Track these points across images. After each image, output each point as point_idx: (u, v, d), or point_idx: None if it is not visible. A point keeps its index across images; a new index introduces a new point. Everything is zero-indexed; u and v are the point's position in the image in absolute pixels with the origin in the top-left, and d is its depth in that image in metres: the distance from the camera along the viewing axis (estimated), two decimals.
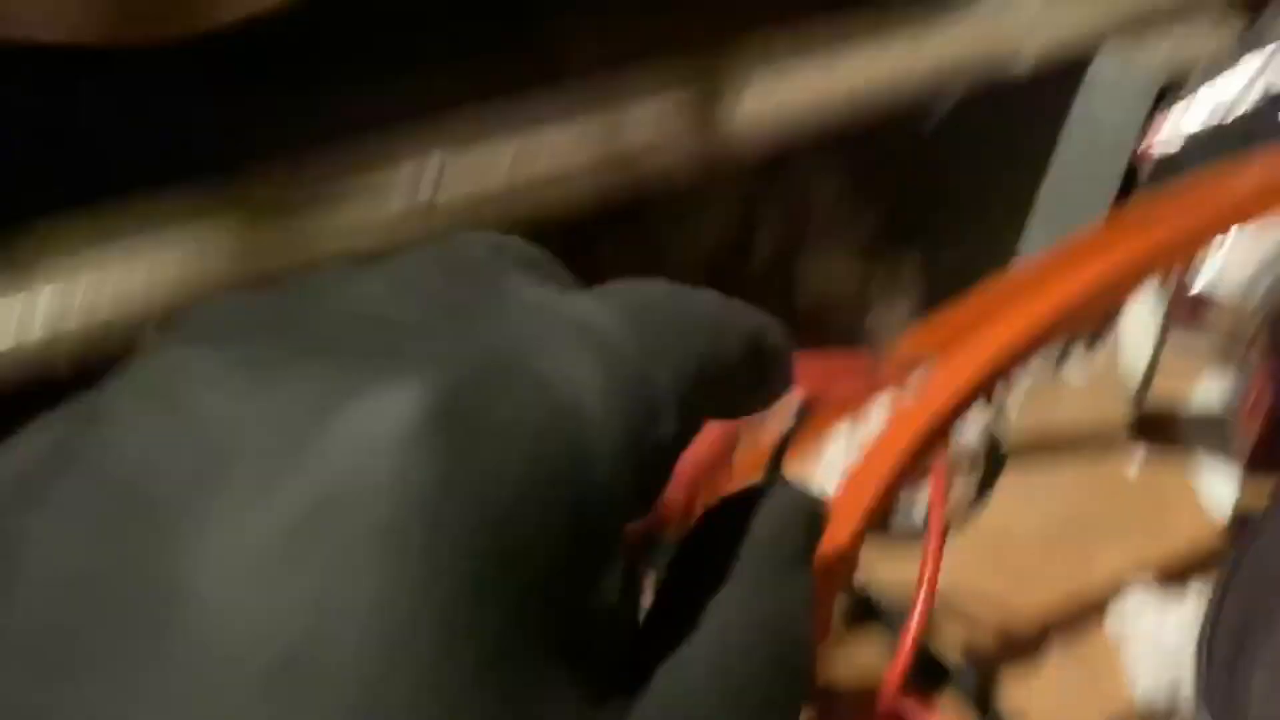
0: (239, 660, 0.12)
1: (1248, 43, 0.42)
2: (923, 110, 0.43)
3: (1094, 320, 0.43)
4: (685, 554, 0.17)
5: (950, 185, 0.50)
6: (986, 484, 0.40)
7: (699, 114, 0.44)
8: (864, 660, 0.39)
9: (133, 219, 0.37)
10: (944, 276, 0.44)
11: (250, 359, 0.14)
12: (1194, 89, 0.42)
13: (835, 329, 0.52)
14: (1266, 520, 0.36)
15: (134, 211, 0.37)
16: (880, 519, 0.26)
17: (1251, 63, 0.41)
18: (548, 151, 0.42)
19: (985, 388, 0.29)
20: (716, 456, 0.27)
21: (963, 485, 0.42)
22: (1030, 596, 0.42)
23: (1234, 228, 0.31)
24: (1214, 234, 0.30)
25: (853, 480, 0.26)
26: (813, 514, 0.17)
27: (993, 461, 0.41)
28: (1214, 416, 0.42)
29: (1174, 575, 0.41)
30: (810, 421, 0.27)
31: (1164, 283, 0.42)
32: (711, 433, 0.27)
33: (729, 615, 0.16)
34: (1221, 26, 0.44)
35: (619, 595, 0.14)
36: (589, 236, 0.42)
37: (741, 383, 0.17)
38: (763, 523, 0.17)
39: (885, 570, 0.37)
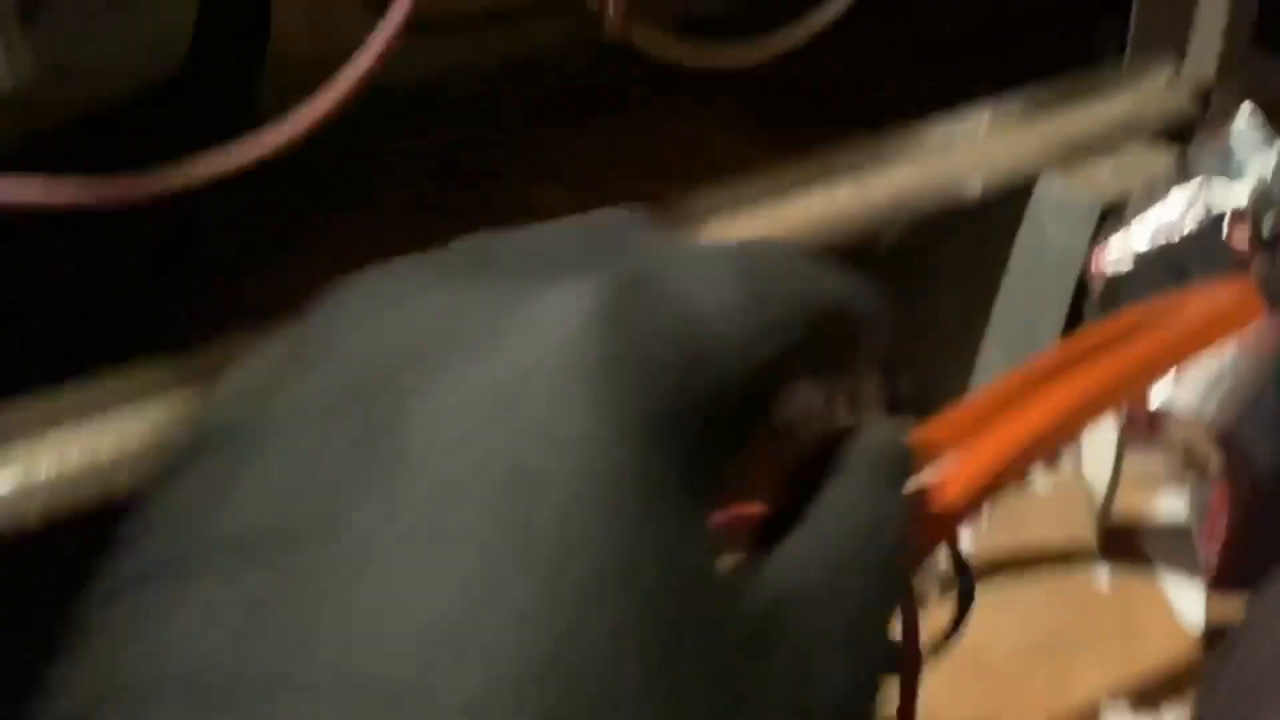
0: (467, 483, 0.15)
1: (1182, 170, 0.43)
2: (874, 239, 0.44)
3: (1056, 450, 0.44)
4: (795, 474, 0.19)
5: (904, 310, 0.51)
6: (963, 609, 0.40)
7: None
8: None
9: (97, 395, 0.36)
10: (902, 402, 0.45)
11: (444, 274, 0.17)
12: (1139, 210, 0.43)
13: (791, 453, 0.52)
14: (1240, 638, 0.36)
15: (98, 388, 0.37)
16: None
17: (1188, 188, 0.42)
18: None
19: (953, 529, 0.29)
20: None
21: (937, 610, 0.42)
22: (1010, 718, 0.42)
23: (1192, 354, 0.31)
24: (1171, 365, 0.30)
25: None
26: (904, 447, 0.20)
27: (965, 586, 0.41)
28: (1178, 532, 0.42)
29: (1150, 694, 0.41)
30: None
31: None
32: None
33: (833, 515, 0.19)
34: (1153, 154, 0.45)
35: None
36: None
37: (837, 333, 0.20)
38: (863, 448, 0.20)
39: None
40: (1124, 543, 0.45)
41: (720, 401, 0.17)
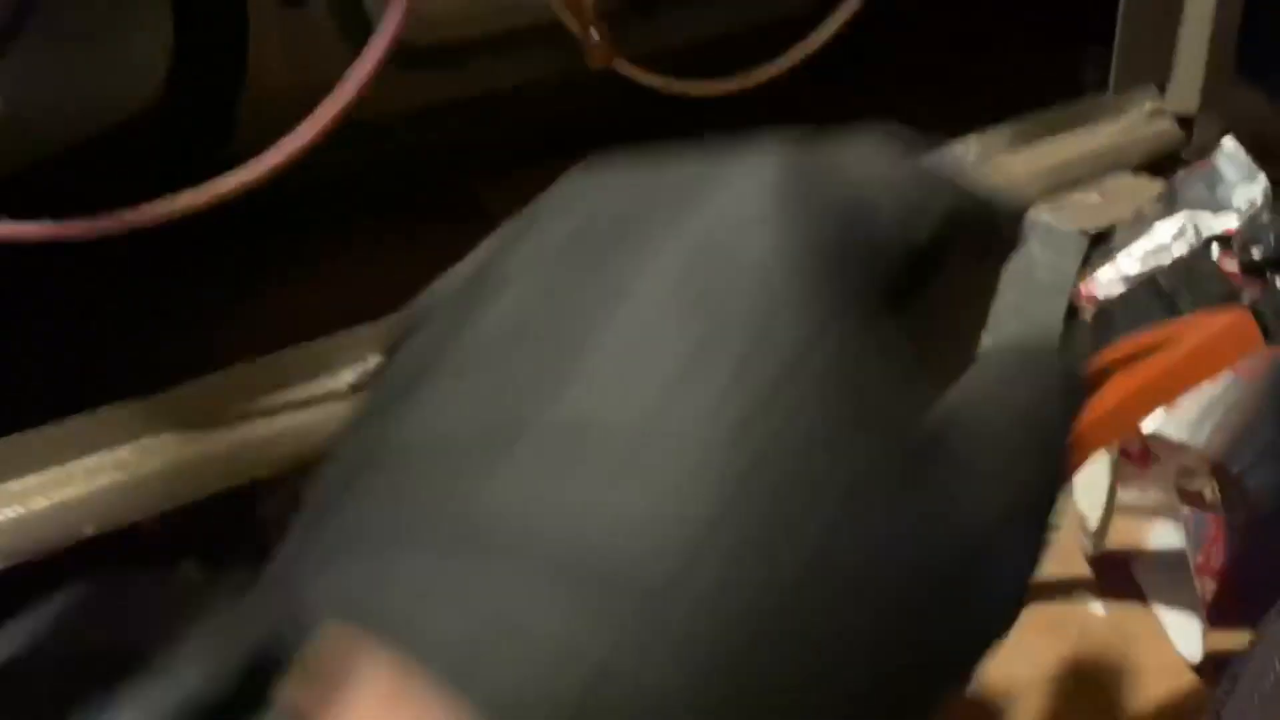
0: (676, 296, 0.17)
1: (1168, 201, 0.43)
2: None
3: None
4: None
5: None
6: None
7: None
8: None
9: (65, 438, 0.35)
10: None
11: (645, 160, 0.20)
12: (1126, 239, 0.43)
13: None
14: (1244, 671, 0.35)
15: (66, 430, 0.36)
16: None
17: (1175, 219, 0.42)
18: None
19: None
20: None
21: None
22: None
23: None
24: (1166, 396, 0.30)
25: None
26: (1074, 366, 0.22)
27: None
28: (1173, 563, 0.42)
29: None
30: None
31: None
32: None
33: (1018, 385, 0.20)
34: (1138, 184, 0.45)
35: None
36: None
37: (979, 229, 0.22)
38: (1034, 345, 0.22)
39: None
40: (1118, 575, 0.44)
41: (882, 264, 0.19)
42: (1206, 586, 0.41)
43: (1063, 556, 0.46)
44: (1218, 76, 0.53)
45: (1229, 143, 0.43)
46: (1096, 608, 0.44)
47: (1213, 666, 0.41)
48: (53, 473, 0.35)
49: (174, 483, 0.34)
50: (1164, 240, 0.43)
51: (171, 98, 0.41)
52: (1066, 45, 0.59)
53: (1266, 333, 0.38)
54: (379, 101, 0.48)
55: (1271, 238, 0.41)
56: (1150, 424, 0.41)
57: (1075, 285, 0.45)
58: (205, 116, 0.42)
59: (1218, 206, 0.42)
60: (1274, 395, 0.40)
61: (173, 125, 0.42)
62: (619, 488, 0.16)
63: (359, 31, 0.39)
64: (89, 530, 0.33)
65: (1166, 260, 0.42)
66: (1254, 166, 0.42)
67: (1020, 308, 0.46)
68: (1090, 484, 0.45)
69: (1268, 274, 0.41)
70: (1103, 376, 0.30)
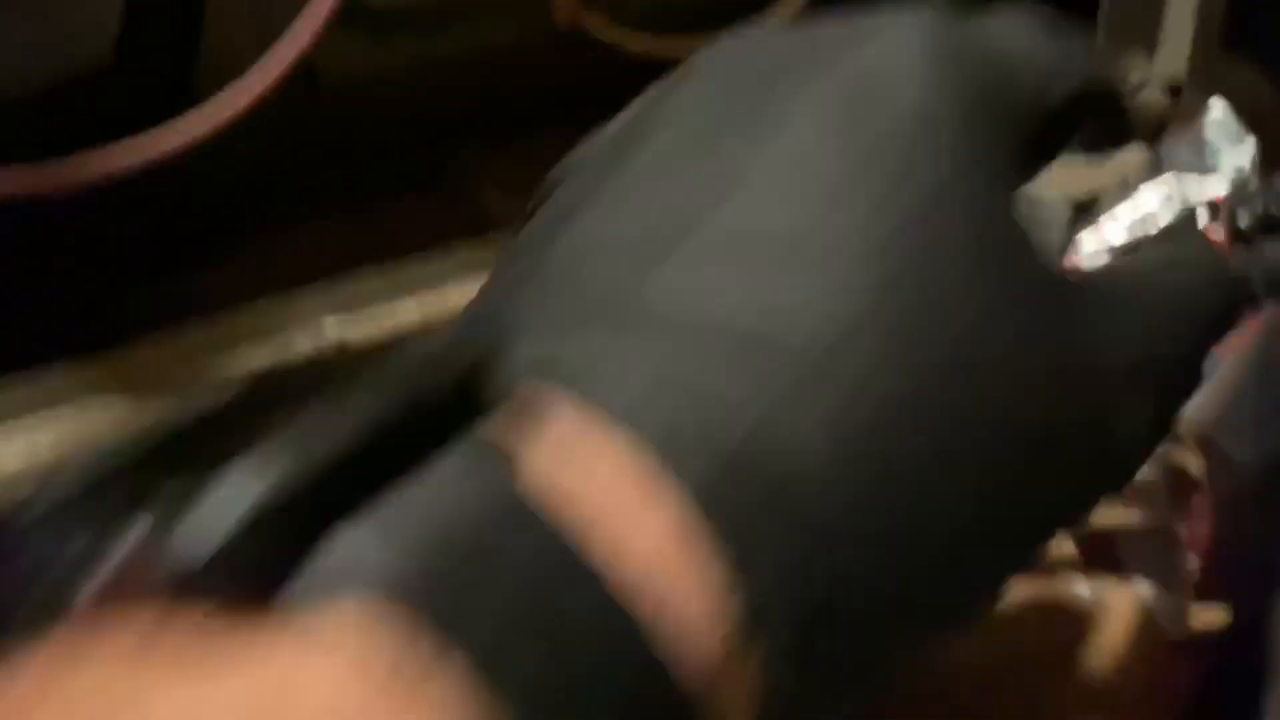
0: (818, 164, 0.19)
1: (1154, 166, 0.42)
2: None
3: None
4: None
5: None
6: None
7: None
8: None
9: (5, 398, 0.34)
10: None
11: (792, 25, 0.22)
12: (1111, 206, 0.42)
13: None
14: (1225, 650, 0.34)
15: (6, 390, 0.35)
16: None
17: (1160, 183, 0.41)
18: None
19: None
20: None
21: None
22: None
23: None
24: None
25: None
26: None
27: None
28: (1158, 539, 0.41)
29: (1125, 709, 0.40)
30: None
31: None
32: None
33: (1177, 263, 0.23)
34: (1124, 151, 0.44)
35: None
36: None
37: (1107, 100, 0.23)
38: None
39: None
40: (1102, 553, 0.44)
41: (1017, 123, 0.21)
42: (1191, 562, 0.40)
43: None
44: (1206, 45, 0.52)
45: (1217, 107, 0.42)
46: (1080, 585, 0.43)
47: (1197, 643, 0.41)
48: None
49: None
50: (1151, 208, 0.42)
51: (126, 53, 0.40)
52: (1052, 12, 0.58)
53: (1253, 300, 0.37)
54: (346, 67, 0.46)
55: (1260, 204, 0.40)
56: None
57: (1060, 256, 0.44)
58: (162, 73, 0.41)
59: (1205, 171, 0.41)
60: (1260, 366, 0.39)
61: (128, 82, 0.40)
62: (781, 278, 0.18)
63: None
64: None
65: (1154, 227, 0.41)
66: (1243, 130, 0.41)
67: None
68: None
69: (1255, 240, 0.40)
70: None
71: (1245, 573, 0.38)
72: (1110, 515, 0.44)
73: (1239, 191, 0.40)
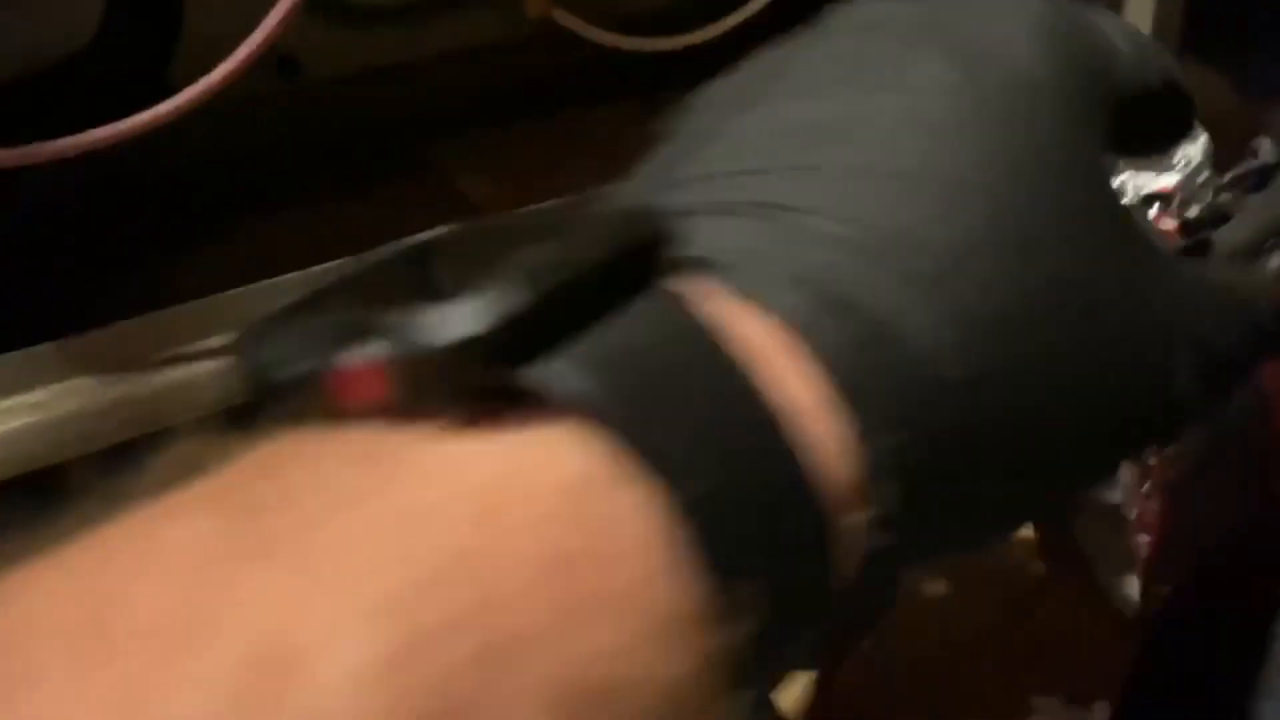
0: (939, 109, 0.21)
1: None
2: None
3: None
4: None
5: None
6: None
7: None
8: None
9: None
10: None
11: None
12: None
13: None
14: (1160, 630, 0.35)
15: None
16: None
17: (1117, 175, 0.42)
18: None
19: None
20: None
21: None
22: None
23: None
24: None
25: None
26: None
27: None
28: (1112, 521, 0.42)
29: (1082, 690, 0.41)
30: None
31: None
32: None
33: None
34: None
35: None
36: None
37: (1176, 98, 0.26)
38: None
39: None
40: (1058, 536, 0.45)
41: (1116, 95, 0.23)
42: (1143, 542, 0.41)
43: None
44: (1165, 45, 0.53)
45: None
46: (1035, 565, 0.44)
47: (1150, 626, 0.41)
48: None
49: (91, 426, 0.34)
50: None
51: (104, 43, 0.40)
52: None
53: None
54: (328, 61, 0.47)
55: (1210, 195, 0.41)
56: None
57: None
58: (139, 64, 0.42)
59: (1159, 165, 0.42)
60: None
61: (105, 73, 0.41)
62: (910, 203, 0.20)
63: None
64: (2, 472, 0.33)
65: None
66: (1196, 124, 0.42)
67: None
68: None
69: (1204, 232, 0.41)
70: None
71: (1192, 553, 0.39)
72: None
73: (1189, 183, 0.41)
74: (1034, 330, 0.21)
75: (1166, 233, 0.40)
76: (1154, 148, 0.28)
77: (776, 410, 0.18)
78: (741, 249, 0.20)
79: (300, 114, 0.48)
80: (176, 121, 0.34)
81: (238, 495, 0.16)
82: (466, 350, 0.16)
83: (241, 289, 0.39)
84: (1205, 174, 0.41)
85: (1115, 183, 0.44)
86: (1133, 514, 0.40)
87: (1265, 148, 0.54)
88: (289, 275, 0.40)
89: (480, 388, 0.16)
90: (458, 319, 0.16)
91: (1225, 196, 0.40)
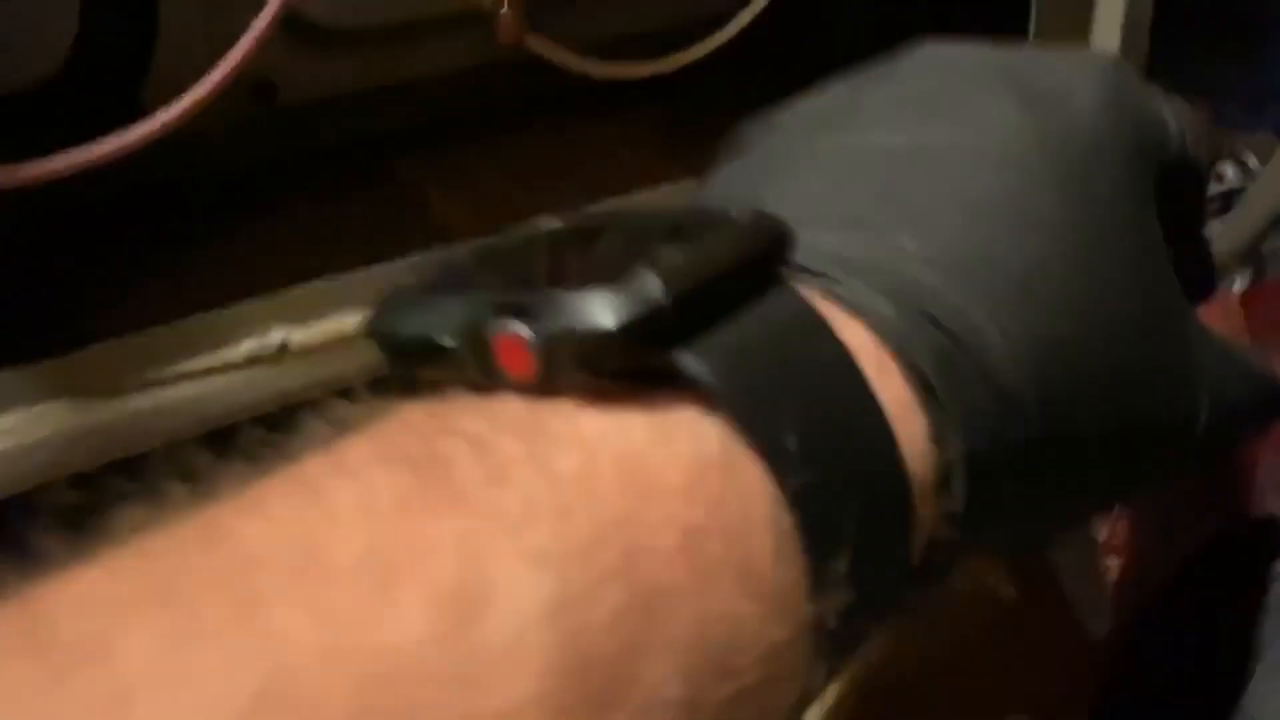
0: (1009, 146, 0.24)
1: None
2: None
3: None
4: None
5: None
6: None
7: None
8: None
9: None
10: None
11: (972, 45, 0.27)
12: None
13: None
14: (1128, 652, 0.36)
15: None
16: None
17: None
18: None
19: None
20: None
21: None
22: None
23: None
24: None
25: None
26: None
27: None
28: (1082, 541, 0.42)
29: (1051, 709, 0.41)
30: None
31: None
32: None
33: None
34: None
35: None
36: None
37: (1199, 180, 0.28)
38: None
39: None
40: (1028, 557, 0.45)
41: (1162, 158, 0.26)
42: (1113, 564, 0.41)
43: None
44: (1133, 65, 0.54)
45: None
46: (1007, 588, 0.44)
47: (1118, 646, 0.42)
48: None
49: (65, 451, 0.34)
50: None
51: (77, 66, 0.40)
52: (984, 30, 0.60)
53: None
54: (302, 84, 0.47)
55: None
56: None
57: None
58: (113, 87, 0.42)
59: None
60: None
61: (78, 95, 0.41)
62: (985, 226, 0.22)
63: None
64: None
65: None
66: None
67: None
68: None
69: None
70: None
71: (1157, 574, 0.39)
72: None
73: None
74: (1093, 354, 0.23)
75: None
76: (1172, 218, 0.29)
77: (882, 407, 0.20)
78: (834, 260, 0.22)
79: (275, 137, 0.48)
80: (149, 145, 0.34)
81: (417, 450, 0.17)
82: (606, 339, 0.18)
83: (216, 312, 0.39)
84: None
85: None
86: (1102, 536, 0.40)
87: (1229, 173, 0.55)
88: (263, 299, 0.40)
89: (614, 371, 0.18)
90: (600, 310, 0.18)
91: None
